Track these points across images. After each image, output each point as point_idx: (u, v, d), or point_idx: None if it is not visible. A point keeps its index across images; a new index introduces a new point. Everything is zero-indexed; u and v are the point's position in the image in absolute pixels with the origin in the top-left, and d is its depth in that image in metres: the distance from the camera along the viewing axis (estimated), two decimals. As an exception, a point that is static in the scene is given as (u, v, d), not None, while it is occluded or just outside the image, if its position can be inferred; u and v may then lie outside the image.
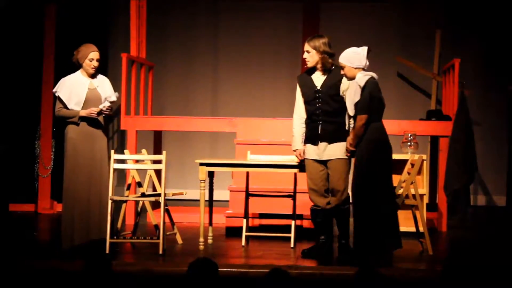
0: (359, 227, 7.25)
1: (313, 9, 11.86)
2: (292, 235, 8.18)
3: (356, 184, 7.28)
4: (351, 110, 7.34)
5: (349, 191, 7.51)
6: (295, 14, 12.37)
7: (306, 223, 8.82)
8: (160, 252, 7.63)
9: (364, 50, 7.37)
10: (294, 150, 7.78)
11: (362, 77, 7.28)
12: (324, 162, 7.64)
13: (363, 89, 7.24)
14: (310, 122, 7.69)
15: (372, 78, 7.30)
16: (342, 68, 7.39)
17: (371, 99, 7.25)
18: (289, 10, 12.53)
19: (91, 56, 7.76)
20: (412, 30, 12.37)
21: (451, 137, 9.51)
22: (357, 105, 7.28)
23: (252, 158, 8.35)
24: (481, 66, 12.33)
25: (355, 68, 7.34)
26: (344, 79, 7.59)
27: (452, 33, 12.25)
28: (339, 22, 12.35)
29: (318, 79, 7.69)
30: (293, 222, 8.24)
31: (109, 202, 7.65)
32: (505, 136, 11.98)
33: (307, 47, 7.67)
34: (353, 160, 7.48)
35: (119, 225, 8.23)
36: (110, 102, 7.77)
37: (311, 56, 7.66)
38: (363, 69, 7.36)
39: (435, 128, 9.86)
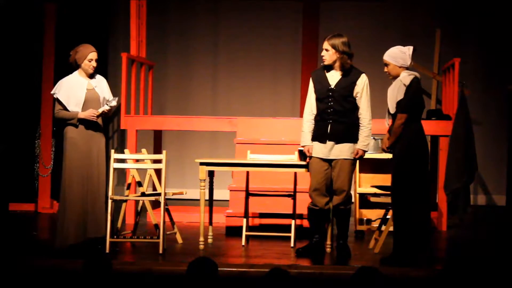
0: (399, 228, 7.24)
1: (313, 8, 11.86)
2: (292, 234, 8.18)
3: (396, 184, 7.25)
4: (392, 108, 7.28)
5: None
6: (295, 13, 12.36)
7: (306, 223, 8.80)
8: (160, 251, 7.64)
9: (410, 49, 7.34)
10: (303, 146, 7.76)
11: (407, 76, 7.26)
12: (329, 161, 7.63)
13: (408, 88, 7.23)
14: (320, 120, 7.64)
15: (416, 77, 7.30)
16: (386, 65, 7.32)
17: (414, 99, 7.26)
18: (288, 9, 12.52)
19: (90, 56, 7.75)
20: (412, 29, 12.37)
21: (451, 136, 9.51)
22: (399, 103, 7.25)
23: (252, 158, 8.35)
24: (481, 65, 12.33)
25: (400, 67, 7.32)
26: (359, 81, 7.57)
27: (452, 33, 12.25)
28: (338, 21, 12.34)
29: (333, 77, 7.63)
30: (293, 222, 8.24)
31: (109, 201, 7.65)
32: (505, 136, 11.96)
33: (325, 45, 7.58)
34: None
35: (119, 224, 8.23)
36: (110, 107, 7.75)
37: (329, 55, 7.58)
38: (407, 68, 7.34)
39: (435, 128, 9.85)
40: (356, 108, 7.58)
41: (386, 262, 7.25)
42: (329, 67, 7.64)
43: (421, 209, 7.21)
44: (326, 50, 7.59)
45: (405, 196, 7.19)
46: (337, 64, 7.60)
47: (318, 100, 7.66)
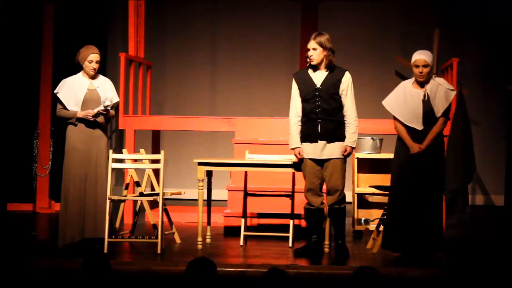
0: (434, 224, 7.36)
1: (312, 8, 11.86)
2: (290, 234, 8.18)
3: (431, 182, 7.33)
4: (439, 112, 7.29)
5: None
6: (293, 13, 12.36)
7: (304, 223, 8.80)
8: (159, 251, 7.63)
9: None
10: (292, 149, 7.76)
11: (445, 81, 7.36)
12: (321, 161, 7.63)
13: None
14: (308, 121, 7.65)
15: None
16: (425, 66, 7.26)
17: None
18: (287, 9, 12.53)
19: (90, 58, 7.77)
20: (411, 29, 12.37)
21: (450, 136, 9.51)
22: (447, 108, 7.30)
23: (250, 158, 8.35)
24: (479, 65, 12.33)
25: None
26: (344, 79, 7.58)
27: (450, 32, 12.25)
28: (337, 21, 12.34)
29: (318, 77, 7.64)
30: (291, 222, 8.24)
31: (108, 201, 7.66)
32: (504, 136, 11.97)
33: (313, 44, 7.57)
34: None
35: (117, 224, 8.23)
36: (105, 106, 7.77)
37: (317, 54, 7.58)
38: None
39: (433, 128, 9.83)
40: (342, 106, 7.59)
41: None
42: (313, 67, 7.65)
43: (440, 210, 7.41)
44: (314, 49, 7.58)
45: (436, 199, 7.32)
46: (323, 63, 7.61)
47: (304, 101, 7.66)
